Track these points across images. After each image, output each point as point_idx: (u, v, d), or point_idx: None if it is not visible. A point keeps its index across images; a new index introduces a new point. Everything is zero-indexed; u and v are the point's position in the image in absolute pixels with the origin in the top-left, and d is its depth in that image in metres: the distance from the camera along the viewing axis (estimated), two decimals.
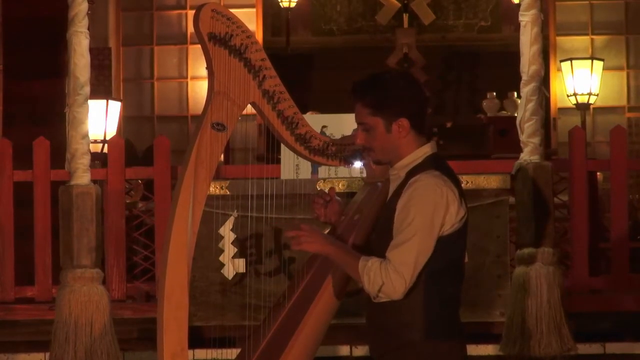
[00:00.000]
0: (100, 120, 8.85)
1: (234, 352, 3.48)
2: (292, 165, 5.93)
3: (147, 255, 6.88)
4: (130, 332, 6.23)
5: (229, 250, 5.76)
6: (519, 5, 5.98)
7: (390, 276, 3.11)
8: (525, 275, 5.68)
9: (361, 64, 10.38)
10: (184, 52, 11.38)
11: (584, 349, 5.84)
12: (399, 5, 11.21)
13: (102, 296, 5.70)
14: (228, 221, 5.72)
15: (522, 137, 5.86)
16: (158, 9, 11.49)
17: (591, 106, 10.81)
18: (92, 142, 6.72)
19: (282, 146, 3.57)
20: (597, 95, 10.65)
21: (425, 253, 3.13)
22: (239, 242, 5.82)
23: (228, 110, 3.29)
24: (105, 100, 8.99)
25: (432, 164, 3.21)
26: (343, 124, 5.77)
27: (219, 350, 5.04)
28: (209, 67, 3.30)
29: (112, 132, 8.91)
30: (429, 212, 3.12)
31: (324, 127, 5.84)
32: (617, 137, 6.43)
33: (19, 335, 6.34)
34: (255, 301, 5.81)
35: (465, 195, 3.23)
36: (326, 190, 3.55)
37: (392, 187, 3.27)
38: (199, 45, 3.32)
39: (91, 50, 5.95)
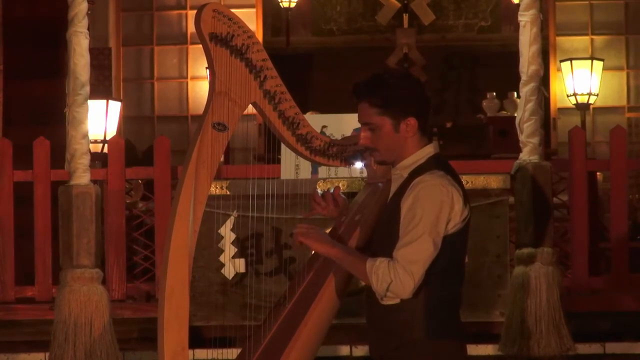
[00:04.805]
0: (100, 120, 8.85)
1: (234, 352, 3.48)
2: (292, 165, 5.93)
3: (147, 255, 6.88)
4: (130, 332, 6.23)
5: (229, 250, 5.78)
6: (518, 5, 5.98)
7: (398, 274, 3.11)
8: (524, 275, 5.69)
9: (361, 64, 10.38)
10: (184, 52, 11.37)
11: (583, 349, 5.84)
12: (399, 5, 11.21)
13: (102, 296, 5.70)
14: (228, 221, 5.73)
15: (522, 137, 5.87)
16: (158, 9, 11.48)
17: (591, 106, 10.80)
18: (92, 142, 6.73)
19: (282, 146, 3.57)
20: (597, 95, 10.64)
21: (433, 252, 3.13)
22: (239, 242, 5.83)
23: (229, 110, 3.30)
24: (105, 100, 8.99)
25: (435, 164, 3.22)
26: (343, 124, 5.78)
27: (219, 350, 5.05)
28: (211, 67, 3.30)
29: (112, 132, 8.91)
30: (435, 211, 3.13)
31: (323, 127, 5.85)
32: (617, 137, 6.43)
33: (19, 335, 6.34)
34: (255, 301, 5.81)
35: (468, 197, 3.24)
36: (332, 190, 3.55)
37: (394, 187, 3.27)
38: (199, 45, 3.32)
39: (91, 50, 5.96)
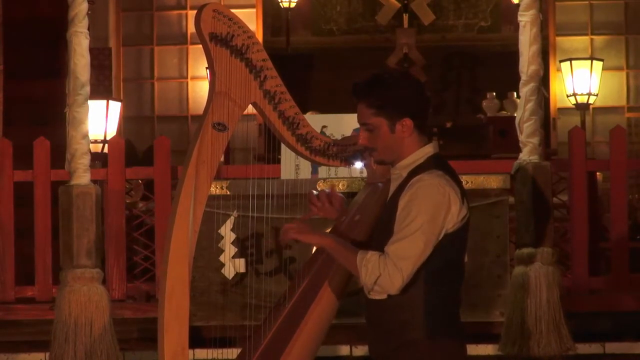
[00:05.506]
0: (101, 120, 8.85)
1: (234, 352, 3.49)
2: (292, 165, 5.94)
3: (147, 255, 6.88)
4: (130, 332, 6.23)
5: (229, 250, 5.78)
6: (518, 5, 5.98)
7: (388, 269, 3.12)
8: (524, 275, 5.69)
9: (361, 64, 10.38)
10: (184, 52, 11.37)
11: (583, 348, 5.84)
12: (399, 5, 11.20)
13: (102, 296, 5.71)
14: (228, 221, 5.74)
15: (521, 137, 5.87)
16: (158, 9, 11.48)
17: (591, 106, 10.80)
18: (92, 142, 6.74)
19: (282, 146, 3.58)
20: (597, 95, 10.64)
21: (425, 251, 3.13)
22: (239, 242, 5.83)
23: (229, 110, 3.30)
24: (105, 100, 8.99)
25: (434, 164, 3.22)
26: (343, 124, 5.78)
27: (219, 350, 5.05)
28: (211, 67, 3.30)
29: (112, 132, 8.91)
30: (430, 211, 3.13)
31: (323, 127, 5.85)
32: (616, 137, 6.43)
33: (19, 335, 6.34)
34: (255, 301, 5.81)
35: (467, 196, 3.24)
36: (327, 189, 3.56)
37: (393, 187, 3.28)
38: (199, 45, 3.32)
39: (91, 50, 5.96)
